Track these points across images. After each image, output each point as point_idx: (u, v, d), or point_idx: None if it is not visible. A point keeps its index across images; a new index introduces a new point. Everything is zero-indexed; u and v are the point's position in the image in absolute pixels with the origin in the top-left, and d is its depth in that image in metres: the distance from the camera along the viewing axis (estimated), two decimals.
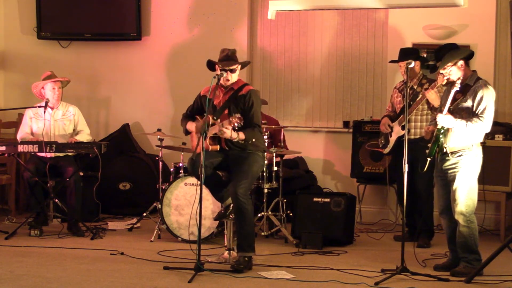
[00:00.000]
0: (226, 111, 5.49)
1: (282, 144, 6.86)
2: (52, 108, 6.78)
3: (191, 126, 5.69)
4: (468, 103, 5.15)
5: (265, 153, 5.79)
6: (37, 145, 6.44)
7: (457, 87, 5.13)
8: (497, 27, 7.21)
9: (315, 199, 6.46)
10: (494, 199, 6.67)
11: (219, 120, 5.44)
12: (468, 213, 5.16)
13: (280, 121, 7.72)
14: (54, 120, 6.77)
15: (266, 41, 8.01)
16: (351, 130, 7.50)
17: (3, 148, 6.49)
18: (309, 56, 7.91)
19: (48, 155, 6.56)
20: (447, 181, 5.24)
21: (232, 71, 5.51)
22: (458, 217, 5.16)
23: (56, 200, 6.66)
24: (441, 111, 5.20)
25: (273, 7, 7.48)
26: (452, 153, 5.18)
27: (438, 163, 5.29)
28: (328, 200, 6.41)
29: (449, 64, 5.23)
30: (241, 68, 5.64)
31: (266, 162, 6.15)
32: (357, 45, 7.74)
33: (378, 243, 6.47)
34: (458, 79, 5.18)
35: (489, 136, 6.64)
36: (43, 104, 6.73)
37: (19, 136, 6.84)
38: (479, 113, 5.11)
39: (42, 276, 5.10)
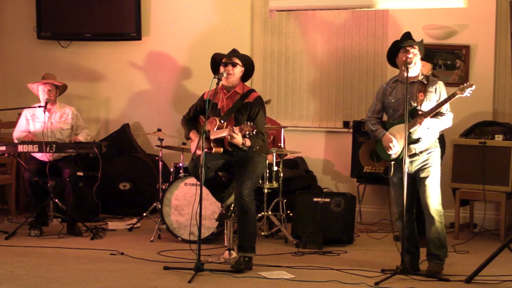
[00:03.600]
0: (232, 116, 5.49)
1: (282, 144, 6.87)
2: (49, 111, 6.77)
3: (195, 136, 5.67)
4: (433, 101, 5.20)
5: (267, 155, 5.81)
6: (37, 145, 6.44)
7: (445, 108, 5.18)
8: (497, 27, 7.21)
9: (315, 199, 6.46)
10: (494, 199, 6.66)
11: (225, 123, 5.43)
12: (441, 207, 5.23)
13: (280, 121, 7.72)
14: (51, 123, 6.76)
15: (266, 41, 8.01)
16: (351, 130, 7.49)
17: (3, 148, 6.49)
18: (309, 56, 7.91)
19: (47, 156, 6.56)
20: (414, 181, 5.23)
21: (234, 65, 5.50)
22: (434, 213, 5.18)
23: (56, 200, 6.66)
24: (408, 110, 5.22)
25: (273, 7, 7.49)
26: (421, 152, 5.20)
27: (407, 165, 5.17)
28: (328, 200, 6.41)
29: (417, 48, 5.28)
30: (246, 70, 5.62)
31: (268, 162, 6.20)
32: (357, 45, 7.74)
33: (378, 243, 6.47)
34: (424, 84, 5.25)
35: (489, 136, 6.65)
36: (42, 104, 6.73)
37: (14, 136, 6.83)
38: (444, 109, 5.22)
39: (42, 276, 5.11)
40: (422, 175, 5.20)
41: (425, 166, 5.21)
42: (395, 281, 4.97)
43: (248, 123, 5.21)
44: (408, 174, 5.16)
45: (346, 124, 7.76)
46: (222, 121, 5.43)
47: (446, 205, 5.67)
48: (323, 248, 6.08)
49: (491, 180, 6.50)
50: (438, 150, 5.29)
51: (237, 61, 5.53)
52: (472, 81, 5.20)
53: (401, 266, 5.06)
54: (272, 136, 6.99)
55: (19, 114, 7.07)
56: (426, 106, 5.19)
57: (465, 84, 5.10)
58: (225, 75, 5.45)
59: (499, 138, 6.63)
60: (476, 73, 7.19)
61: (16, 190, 7.61)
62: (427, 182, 5.18)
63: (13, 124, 7.76)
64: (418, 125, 5.12)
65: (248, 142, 5.34)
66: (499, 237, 6.54)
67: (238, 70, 5.55)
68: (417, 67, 5.26)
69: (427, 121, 5.12)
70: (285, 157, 6.87)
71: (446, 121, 5.23)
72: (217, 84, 5.49)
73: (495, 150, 6.56)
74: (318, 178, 7.75)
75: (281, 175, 6.51)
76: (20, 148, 6.47)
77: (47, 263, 5.50)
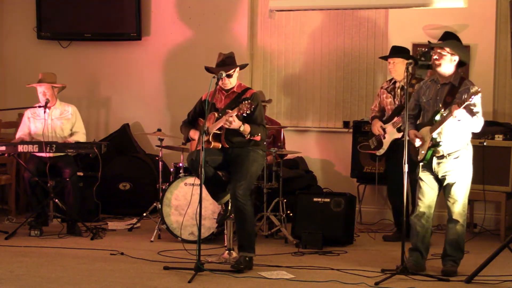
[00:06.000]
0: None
1: (282, 144, 6.87)
2: (49, 108, 6.77)
3: (194, 134, 5.69)
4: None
5: (266, 153, 5.80)
6: (37, 145, 6.44)
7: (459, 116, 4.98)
8: (497, 27, 7.21)
9: (315, 199, 6.46)
10: (494, 199, 6.67)
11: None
12: (465, 212, 5.23)
13: (280, 121, 7.72)
14: (51, 119, 6.77)
15: (266, 41, 8.01)
16: (351, 130, 7.49)
17: (3, 148, 6.49)
18: (309, 56, 7.92)
19: (48, 155, 6.56)
20: (438, 181, 5.22)
21: (229, 76, 5.51)
22: (457, 217, 5.18)
23: (56, 200, 6.66)
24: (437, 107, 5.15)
25: (273, 7, 7.49)
26: (449, 154, 5.16)
27: (434, 166, 5.19)
28: (328, 200, 6.41)
29: (449, 50, 5.10)
30: (240, 69, 5.65)
31: (267, 162, 6.19)
32: (357, 45, 7.74)
33: (378, 243, 6.47)
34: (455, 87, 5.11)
35: (489, 136, 6.65)
36: (43, 104, 6.73)
37: (17, 137, 6.83)
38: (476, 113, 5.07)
39: (42, 276, 5.10)
40: (449, 181, 5.17)
41: (452, 173, 5.15)
42: (395, 281, 4.97)
43: (245, 102, 5.20)
44: (434, 175, 5.19)
45: (346, 124, 7.76)
46: (220, 114, 5.45)
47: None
48: (323, 248, 6.07)
49: (491, 180, 6.50)
50: (467, 154, 5.18)
51: (231, 72, 5.52)
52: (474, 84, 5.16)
53: (401, 266, 5.06)
54: (272, 136, 6.99)
55: (19, 114, 7.07)
56: None
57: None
58: (224, 74, 5.47)
59: (499, 138, 6.63)
60: (476, 73, 7.18)
61: (16, 190, 7.61)
62: (454, 188, 5.16)
63: (13, 124, 7.78)
64: (452, 116, 4.91)
65: (247, 128, 5.34)
66: (499, 237, 6.54)
67: (235, 76, 5.57)
68: (445, 68, 5.13)
69: (460, 112, 4.89)
70: (285, 157, 6.87)
71: (477, 122, 5.03)
72: (216, 83, 5.50)
73: (495, 150, 6.56)
74: (318, 178, 7.75)
75: (281, 175, 6.51)
76: (20, 148, 6.47)
77: (47, 263, 5.50)
